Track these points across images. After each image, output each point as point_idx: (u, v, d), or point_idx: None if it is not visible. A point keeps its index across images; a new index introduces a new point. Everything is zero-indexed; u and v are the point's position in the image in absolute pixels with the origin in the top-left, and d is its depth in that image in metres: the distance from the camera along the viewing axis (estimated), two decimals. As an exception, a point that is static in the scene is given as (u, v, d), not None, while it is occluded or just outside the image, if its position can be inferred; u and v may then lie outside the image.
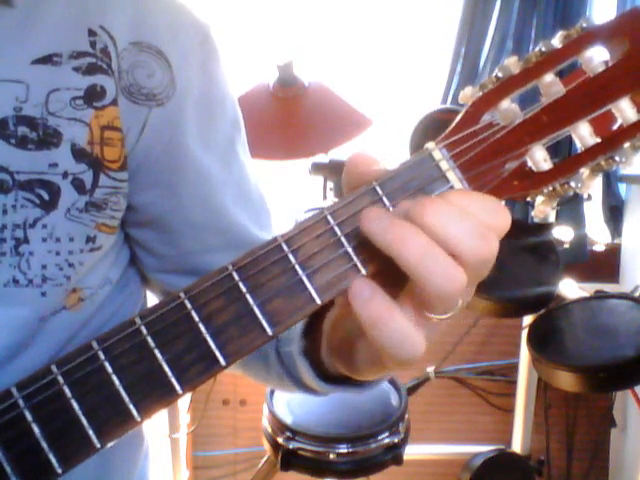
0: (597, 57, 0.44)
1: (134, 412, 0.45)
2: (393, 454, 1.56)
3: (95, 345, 0.45)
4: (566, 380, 1.52)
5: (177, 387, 0.45)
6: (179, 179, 0.61)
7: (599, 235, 2.17)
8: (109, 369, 0.45)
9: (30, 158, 0.54)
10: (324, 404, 1.66)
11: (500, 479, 2.05)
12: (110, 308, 0.64)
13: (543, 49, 0.44)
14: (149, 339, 0.45)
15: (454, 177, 0.45)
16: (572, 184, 0.45)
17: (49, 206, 0.55)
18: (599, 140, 0.44)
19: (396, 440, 1.56)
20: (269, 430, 1.60)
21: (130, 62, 0.57)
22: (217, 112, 0.64)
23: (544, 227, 1.79)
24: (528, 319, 1.87)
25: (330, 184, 1.82)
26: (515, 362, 2.08)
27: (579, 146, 0.45)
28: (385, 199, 0.45)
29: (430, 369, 2.14)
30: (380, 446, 1.55)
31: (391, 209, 0.45)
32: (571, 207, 1.98)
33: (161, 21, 0.59)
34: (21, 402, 0.45)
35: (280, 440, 1.55)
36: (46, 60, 0.55)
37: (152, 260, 0.66)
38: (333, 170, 1.74)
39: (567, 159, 0.45)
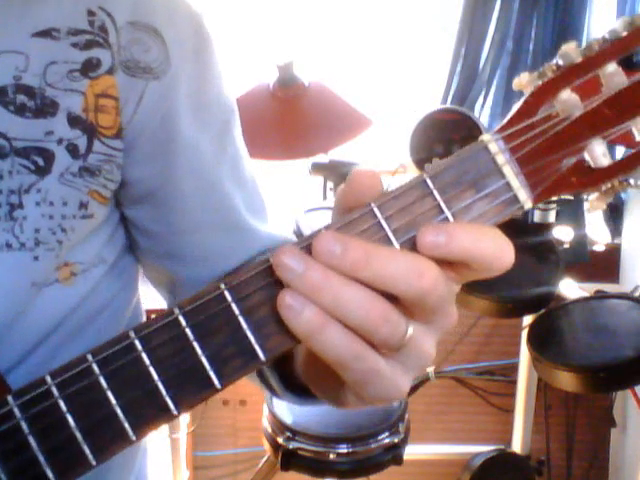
0: None
1: (171, 405, 0.44)
2: (393, 454, 1.57)
3: (132, 334, 0.44)
4: (566, 380, 1.52)
5: (216, 381, 0.44)
6: (173, 152, 0.62)
7: (599, 235, 2.17)
8: (147, 360, 0.44)
9: (27, 125, 0.56)
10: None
11: (500, 479, 2.05)
12: (105, 293, 0.64)
13: (607, 36, 0.42)
14: (188, 331, 0.44)
15: (510, 172, 0.43)
16: (632, 181, 0.43)
17: (43, 171, 0.56)
18: None
19: (396, 440, 1.56)
20: (269, 430, 1.60)
21: (127, 39, 0.59)
22: (211, 97, 0.65)
23: (544, 227, 1.79)
24: (528, 319, 1.87)
25: (330, 184, 1.82)
26: (515, 362, 2.08)
27: (638, 138, 0.43)
28: (436, 193, 0.43)
29: (430, 369, 2.14)
30: (380, 446, 1.55)
31: (442, 204, 0.43)
32: (571, 207, 1.98)
33: (158, 5, 0.61)
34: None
35: (280, 440, 1.55)
36: (45, 34, 0.56)
37: (145, 241, 0.66)
38: (333, 170, 1.74)
39: (628, 155, 0.43)
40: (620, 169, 0.43)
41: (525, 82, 0.43)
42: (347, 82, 1.86)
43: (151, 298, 0.75)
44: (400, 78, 2.13)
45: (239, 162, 0.68)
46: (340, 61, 2.05)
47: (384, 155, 2.08)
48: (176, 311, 0.44)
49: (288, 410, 1.62)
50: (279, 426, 1.57)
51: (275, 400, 1.64)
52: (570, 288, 1.85)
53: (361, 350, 0.41)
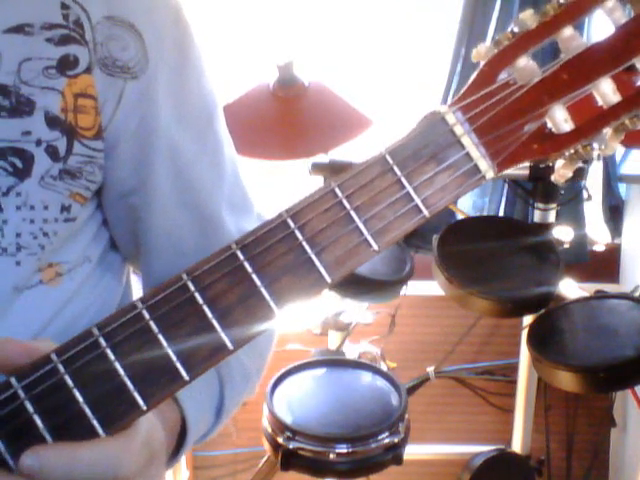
0: (620, 8, 0.41)
1: (140, 400, 0.43)
2: (393, 454, 1.56)
3: (96, 331, 0.43)
4: (566, 380, 1.52)
5: (183, 374, 0.43)
6: (152, 151, 0.61)
7: (599, 235, 2.17)
8: (111, 356, 0.43)
9: (3, 126, 0.54)
10: (324, 404, 1.66)
11: (500, 479, 2.05)
12: (91, 292, 0.63)
13: (562, 0, 0.41)
14: (152, 324, 0.43)
15: (469, 142, 0.42)
16: (595, 145, 0.42)
17: (23, 174, 0.55)
18: (623, 98, 0.41)
19: (396, 440, 1.56)
20: (269, 430, 1.59)
21: (104, 35, 0.57)
22: (193, 92, 0.64)
23: (544, 227, 1.79)
24: (528, 319, 1.87)
25: (330, 184, 1.82)
26: (515, 362, 2.08)
27: (600, 102, 0.42)
28: (396, 168, 0.42)
29: (430, 369, 2.14)
30: (380, 446, 1.55)
31: (403, 179, 0.43)
32: (571, 207, 1.98)
33: None
34: (21, 393, 0.44)
35: (280, 440, 1.55)
36: (18, 30, 0.55)
37: (121, 239, 0.66)
38: (333, 170, 1.73)
39: (589, 119, 0.42)
40: (582, 133, 0.42)
41: (483, 52, 0.43)
42: (347, 82, 1.85)
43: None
44: (400, 78, 2.12)
45: (220, 158, 0.67)
46: (340, 61, 2.05)
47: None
48: (139, 305, 0.43)
49: (288, 410, 1.62)
50: (279, 426, 1.57)
51: (275, 400, 1.64)
52: (570, 288, 1.84)
53: None
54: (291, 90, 1.67)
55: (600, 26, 0.43)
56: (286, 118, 1.69)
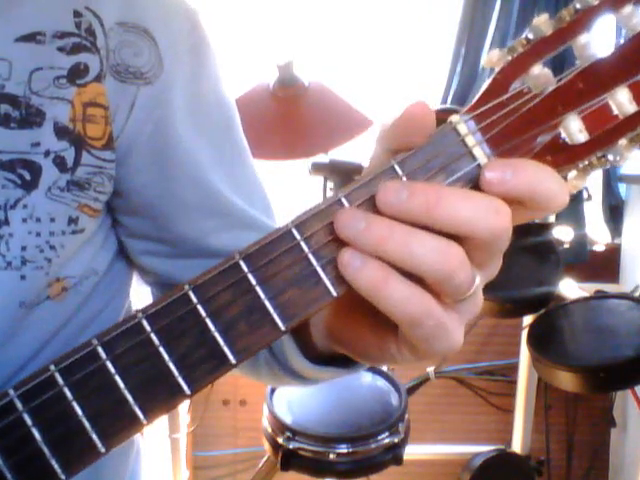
0: (637, 14, 0.39)
1: (140, 414, 0.42)
2: (393, 454, 1.56)
3: (95, 342, 0.42)
4: (566, 380, 1.52)
5: (185, 388, 0.42)
6: (169, 160, 0.60)
7: (599, 235, 2.17)
8: (112, 369, 0.42)
9: (12, 137, 0.53)
10: (324, 404, 1.66)
11: (500, 479, 2.05)
12: (97, 303, 0.62)
13: (578, 6, 0.40)
14: (153, 336, 0.42)
15: (481, 153, 0.41)
16: (610, 157, 0.41)
17: (30, 186, 0.54)
18: (639, 107, 0.40)
19: (396, 440, 1.56)
20: (269, 430, 1.60)
21: (116, 41, 0.56)
22: (209, 98, 0.62)
23: (544, 227, 1.79)
24: (528, 319, 1.87)
25: (330, 184, 1.82)
26: (515, 362, 2.08)
27: (616, 112, 0.40)
28: (405, 179, 0.41)
29: (430, 369, 2.14)
30: (380, 446, 1.55)
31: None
32: (571, 207, 1.98)
33: (150, 3, 0.58)
34: (19, 405, 0.43)
35: (280, 440, 1.55)
36: (30, 38, 0.54)
37: (140, 244, 0.64)
38: (333, 170, 1.73)
39: (605, 129, 0.40)
40: (597, 145, 0.40)
41: (496, 59, 0.41)
42: (347, 82, 1.85)
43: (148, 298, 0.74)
44: (400, 78, 2.12)
45: (238, 164, 0.65)
46: (340, 61, 2.05)
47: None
48: (139, 315, 0.42)
49: (288, 410, 1.62)
50: (279, 426, 1.57)
51: (275, 400, 1.64)
52: (570, 288, 1.85)
53: (431, 303, 0.39)
54: (291, 90, 1.67)
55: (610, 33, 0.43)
56: (286, 118, 1.69)
